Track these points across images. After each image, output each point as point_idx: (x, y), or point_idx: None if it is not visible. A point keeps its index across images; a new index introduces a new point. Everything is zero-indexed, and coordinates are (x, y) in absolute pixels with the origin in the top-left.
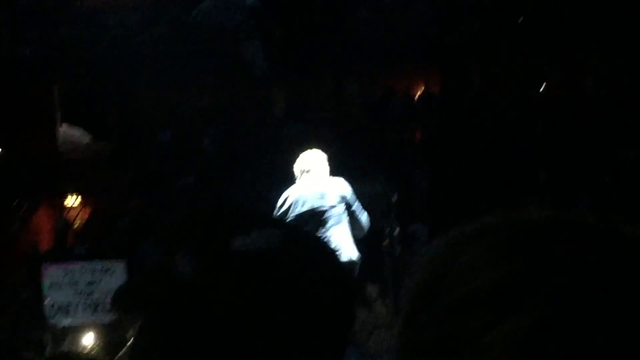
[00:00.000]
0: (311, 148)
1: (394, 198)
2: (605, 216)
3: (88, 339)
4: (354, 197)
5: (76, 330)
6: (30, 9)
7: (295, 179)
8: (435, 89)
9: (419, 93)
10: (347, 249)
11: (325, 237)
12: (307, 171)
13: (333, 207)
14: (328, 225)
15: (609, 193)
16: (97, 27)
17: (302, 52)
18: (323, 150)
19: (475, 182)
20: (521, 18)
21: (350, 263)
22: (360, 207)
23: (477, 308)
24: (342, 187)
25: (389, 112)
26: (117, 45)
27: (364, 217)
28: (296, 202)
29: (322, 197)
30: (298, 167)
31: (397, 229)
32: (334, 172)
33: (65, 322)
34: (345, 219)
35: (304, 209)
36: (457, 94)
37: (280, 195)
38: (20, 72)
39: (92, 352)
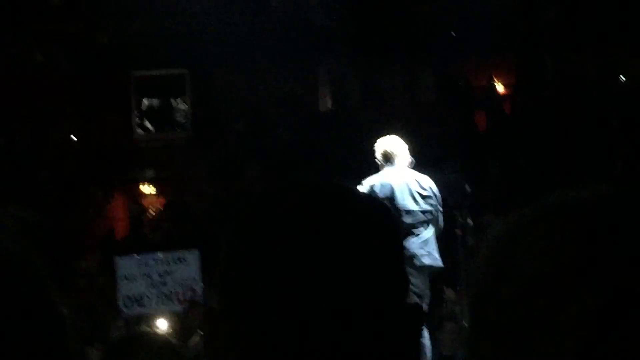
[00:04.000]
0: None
1: (467, 188)
2: None
3: (161, 325)
4: (440, 196)
5: (149, 317)
6: None
7: (379, 166)
8: (509, 79)
9: (493, 82)
10: (436, 254)
11: (418, 239)
12: (392, 160)
13: (432, 205)
14: (421, 225)
15: None
16: (173, 14)
17: (376, 43)
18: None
19: (549, 173)
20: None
21: (437, 268)
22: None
23: (543, 291)
24: (432, 185)
25: (464, 102)
26: (192, 33)
27: (441, 218)
28: (387, 196)
29: (416, 193)
30: (381, 153)
31: (469, 220)
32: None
33: (139, 311)
34: (432, 220)
35: (399, 204)
36: (532, 84)
37: (354, 185)
38: (97, 61)
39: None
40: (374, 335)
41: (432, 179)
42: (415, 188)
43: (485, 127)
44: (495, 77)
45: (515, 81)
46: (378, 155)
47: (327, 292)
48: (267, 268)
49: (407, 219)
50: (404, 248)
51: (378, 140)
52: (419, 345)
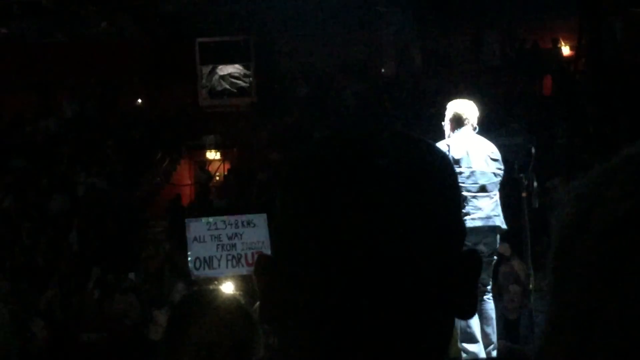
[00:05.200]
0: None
1: (533, 150)
2: None
3: (227, 288)
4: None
5: (216, 280)
6: None
7: (444, 128)
8: (576, 41)
9: (559, 45)
10: (502, 216)
11: (491, 199)
12: (462, 123)
13: (499, 169)
14: (492, 187)
15: None
16: None
17: (440, 7)
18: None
19: (616, 135)
20: None
21: (503, 230)
22: None
23: (633, 230)
24: (497, 150)
25: (529, 65)
26: (255, 0)
27: None
28: (462, 157)
29: (487, 156)
30: (453, 115)
31: (535, 183)
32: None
33: (208, 273)
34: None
35: (474, 165)
36: (599, 45)
37: None
38: (162, 28)
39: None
40: (433, 280)
41: (497, 142)
42: (487, 151)
43: (551, 90)
44: (562, 39)
45: (581, 43)
46: (448, 117)
47: (385, 236)
48: (323, 213)
49: (482, 180)
50: (479, 208)
51: (450, 103)
52: (477, 291)
